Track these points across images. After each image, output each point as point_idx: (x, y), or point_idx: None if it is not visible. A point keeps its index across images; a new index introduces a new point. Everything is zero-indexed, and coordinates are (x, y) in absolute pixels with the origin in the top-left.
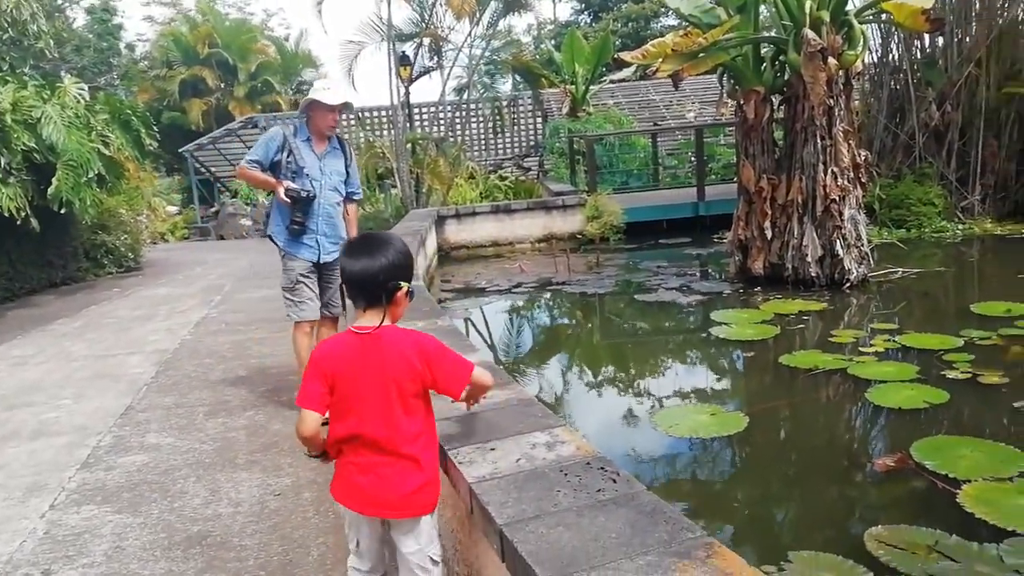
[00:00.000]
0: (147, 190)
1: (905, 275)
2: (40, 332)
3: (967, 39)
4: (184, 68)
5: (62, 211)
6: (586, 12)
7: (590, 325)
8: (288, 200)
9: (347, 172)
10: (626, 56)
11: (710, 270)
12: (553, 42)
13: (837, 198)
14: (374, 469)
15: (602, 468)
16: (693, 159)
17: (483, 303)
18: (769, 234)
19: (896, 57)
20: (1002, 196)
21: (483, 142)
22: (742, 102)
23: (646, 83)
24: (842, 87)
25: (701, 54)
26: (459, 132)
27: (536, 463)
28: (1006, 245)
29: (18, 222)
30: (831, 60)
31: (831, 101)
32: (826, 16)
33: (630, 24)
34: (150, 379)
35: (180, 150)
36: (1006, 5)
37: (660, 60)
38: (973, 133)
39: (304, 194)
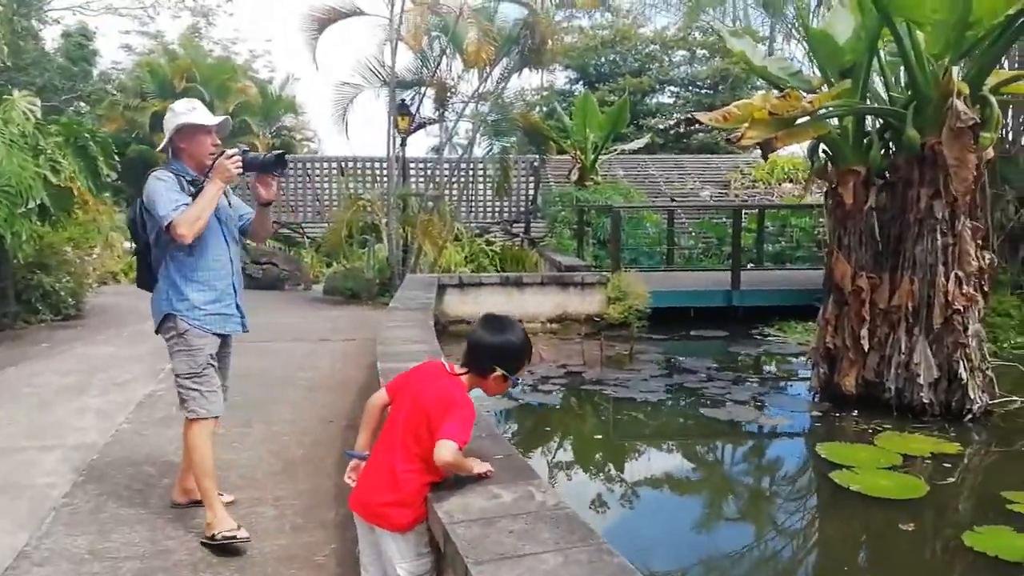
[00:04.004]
0: (105, 224)
1: None
2: None
3: None
4: (158, 101)
5: None
6: (581, 82)
7: (657, 454)
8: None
9: (230, 204)
10: (702, 116)
11: (778, 378)
12: (545, 109)
13: (961, 308)
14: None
15: None
16: (704, 242)
17: (503, 406)
18: (866, 345)
19: None
20: None
21: (471, 203)
22: (836, 184)
23: (644, 156)
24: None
25: (799, 121)
26: (451, 191)
27: None
28: None
29: None
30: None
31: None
32: (966, 89)
33: (628, 97)
34: (62, 497)
35: None
36: None
37: (746, 125)
38: None
39: (282, 151)
